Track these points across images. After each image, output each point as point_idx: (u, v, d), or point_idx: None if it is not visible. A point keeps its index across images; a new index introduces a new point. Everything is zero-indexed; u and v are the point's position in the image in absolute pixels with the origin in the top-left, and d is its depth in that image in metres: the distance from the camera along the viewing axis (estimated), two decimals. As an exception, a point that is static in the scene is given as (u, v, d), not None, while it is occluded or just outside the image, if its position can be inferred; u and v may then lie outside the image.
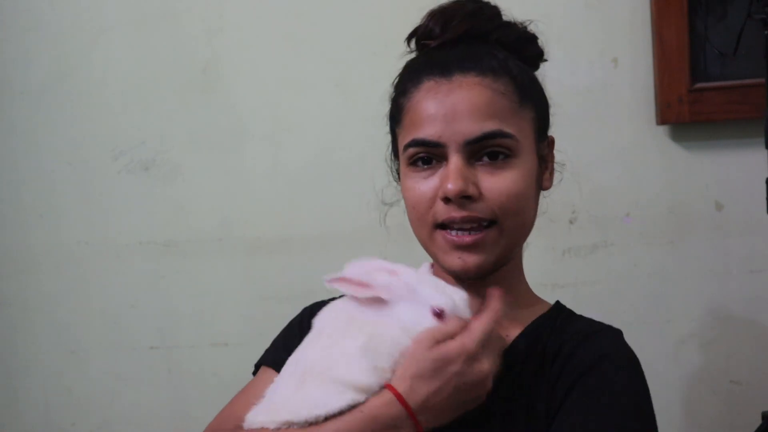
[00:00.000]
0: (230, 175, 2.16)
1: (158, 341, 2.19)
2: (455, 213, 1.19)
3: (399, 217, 1.38)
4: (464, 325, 1.13)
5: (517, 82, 1.23)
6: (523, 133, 1.22)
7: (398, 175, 1.33)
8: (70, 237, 2.20)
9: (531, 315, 1.29)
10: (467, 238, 1.20)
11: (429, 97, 1.21)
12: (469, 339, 1.11)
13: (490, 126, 1.18)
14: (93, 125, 2.19)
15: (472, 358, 1.10)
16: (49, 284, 2.21)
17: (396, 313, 1.14)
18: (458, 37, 1.25)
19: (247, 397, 1.28)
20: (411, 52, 1.33)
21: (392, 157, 1.36)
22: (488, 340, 1.13)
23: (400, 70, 1.32)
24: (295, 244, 2.14)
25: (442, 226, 1.21)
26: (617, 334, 1.26)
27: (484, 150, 1.19)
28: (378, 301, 1.15)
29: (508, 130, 1.19)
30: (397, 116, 1.28)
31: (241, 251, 2.16)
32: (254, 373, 1.40)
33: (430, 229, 1.22)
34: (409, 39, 1.33)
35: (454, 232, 1.20)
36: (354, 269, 1.19)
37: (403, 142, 1.24)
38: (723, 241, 2.02)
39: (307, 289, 2.12)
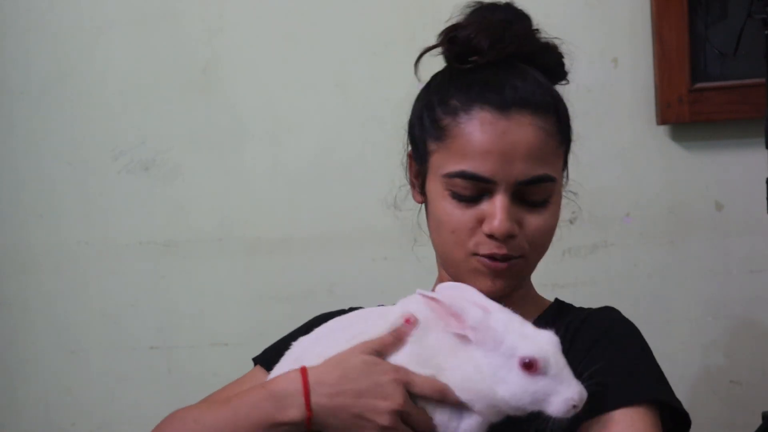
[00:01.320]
0: (230, 175, 2.16)
1: (158, 341, 2.19)
2: (498, 249, 1.23)
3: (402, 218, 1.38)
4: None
5: (561, 120, 1.27)
6: (559, 172, 1.28)
7: (416, 179, 1.33)
8: (70, 237, 2.20)
9: (535, 312, 1.35)
10: (500, 266, 1.24)
11: (484, 130, 1.21)
12: (405, 376, 1.11)
13: (540, 170, 1.23)
14: (93, 125, 2.19)
15: (385, 393, 1.09)
16: (49, 284, 2.21)
17: (474, 357, 1.10)
18: (505, 57, 1.26)
19: (225, 392, 1.30)
20: (445, 49, 1.31)
21: (409, 155, 1.36)
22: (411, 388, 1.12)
23: (441, 75, 1.32)
24: (295, 244, 2.14)
25: (477, 255, 1.25)
26: (615, 309, 1.34)
27: (529, 194, 1.23)
28: (461, 338, 1.11)
29: (553, 174, 1.25)
30: (437, 133, 1.26)
31: (241, 251, 2.16)
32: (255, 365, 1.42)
33: (467, 254, 1.25)
34: (445, 36, 1.31)
35: (490, 260, 1.24)
36: (447, 293, 1.16)
37: (446, 165, 1.24)
38: (723, 241, 2.02)
39: (307, 289, 2.14)
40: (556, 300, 1.39)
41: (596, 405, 1.14)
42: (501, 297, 1.22)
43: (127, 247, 2.19)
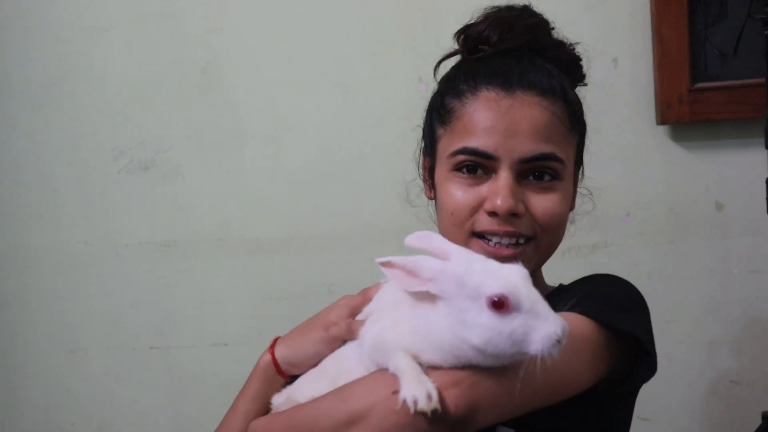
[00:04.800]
0: (230, 175, 2.16)
1: (158, 341, 2.19)
2: (498, 227, 1.20)
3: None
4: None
5: (571, 107, 1.27)
6: (569, 158, 1.27)
7: (427, 175, 1.33)
8: (70, 237, 2.20)
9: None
10: (506, 251, 1.21)
11: (489, 108, 1.21)
12: (357, 327, 1.12)
13: (545, 148, 1.21)
14: (93, 125, 2.19)
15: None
16: (49, 284, 2.21)
17: (437, 308, 1.00)
18: (514, 48, 1.26)
19: None
20: (460, 49, 1.32)
21: (423, 152, 1.36)
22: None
23: (451, 70, 1.32)
24: (295, 244, 2.14)
25: (480, 234, 1.22)
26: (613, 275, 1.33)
27: (534, 170, 1.22)
28: (426, 297, 1.02)
29: (559, 154, 1.23)
30: (444, 117, 1.27)
31: (241, 251, 2.16)
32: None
33: (466, 236, 1.23)
34: (459, 35, 1.32)
35: (492, 243, 1.21)
36: (412, 239, 1.08)
37: (451, 146, 1.24)
38: (723, 241, 2.02)
39: (306, 289, 2.14)
40: (560, 285, 1.38)
41: None
42: None
43: (127, 247, 2.19)
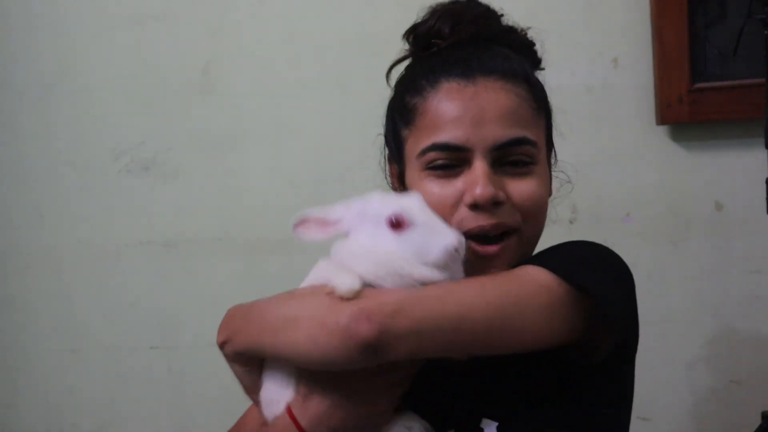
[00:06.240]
0: (230, 175, 2.16)
1: (158, 341, 2.19)
2: (485, 221, 1.14)
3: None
4: None
5: (534, 89, 1.21)
6: (540, 141, 1.21)
7: (398, 182, 1.28)
8: (70, 237, 2.20)
9: None
10: (491, 249, 1.15)
11: (452, 98, 1.17)
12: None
13: (516, 132, 1.16)
14: (93, 125, 2.19)
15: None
16: (49, 284, 2.21)
17: (354, 240, 1.10)
18: (467, 38, 1.23)
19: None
20: (410, 50, 1.30)
21: (388, 160, 1.32)
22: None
23: (406, 69, 1.29)
24: (295, 244, 2.12)
25: (466, 235, 1.15)
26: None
27: (508, 156, 1.16)
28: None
29: (531, 137, 1.18)
30: (407, 116, 1.22)
31: (241, 251, 2.16)
32: None
33: None
34: (409, 35, 1.29)
35: (479, 244, 1.15)
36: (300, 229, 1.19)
37: (418, 144, 1.19)
38: (723, 241, 2.02)
39: (307, 289, 2.14)
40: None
41: None
42: None
43: (127, 247, 2.19)
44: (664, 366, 2.03)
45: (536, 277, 1.09)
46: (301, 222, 1.14)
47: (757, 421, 1.80)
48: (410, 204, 1.08)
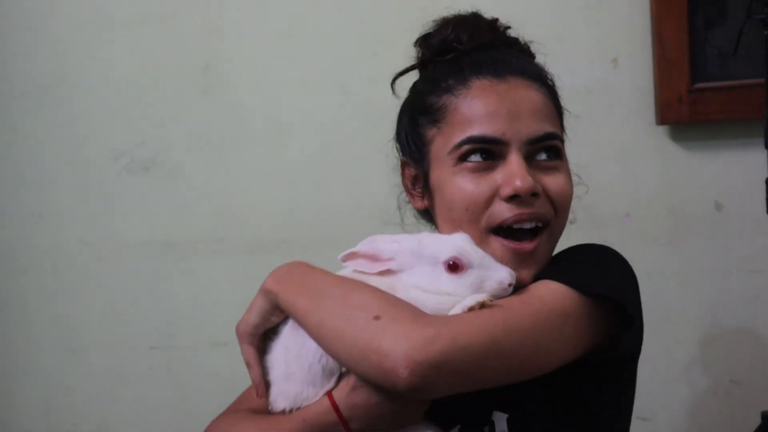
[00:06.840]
0: (230, 175, 2.16)
1: (158, 341, 2.19)
2: (522, 210, 1.16)
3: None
4: None
5: (552, 91, 1.26)
6: (562, 138, 1.25)
7: (414, 185, 1.29)
8: (70, 237, 2.20)
9: None
10: (527, 246, 1.17)
11: (486, 94, 1.19)
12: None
13: (548, 127, 1.20)
14: (93, 125, 2.19)
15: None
16: (49, 284, 2.21)
17: (408, 280, 1.12)
18: (486, 43, 1.26)
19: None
20: (424, 56, 1.31)
21: (403, 163, 1.30)
22: None
23: (423, 72, 1.31)
24: (295, 244, 2.14)
25: (497, 230, 1.18)
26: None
27: (539, 151, 1.20)
28: (388, 274, 1.13)
29: (559, 133, 1.23)
30: (436, 115, 1.23)
31: (241, 251, 2.16)
32: None
33: (483, 233, 1.18)
34: (422, 43, 1.31)
35: (512, 241, 1.17)
36: (364, 245, 1.18)
37: (450, 140, 1.19)
38: (723, 241, 2.02)
39: (307, 289, 2.14)
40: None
41: None
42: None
43: (127, 247, 2.19)
44: (664, 366, 2.04)
45: (556, 294, 1.12)
46: (350, 256, 1.16)
47: (757, 421, 1.80)
48: (463, 246, 1.13)
